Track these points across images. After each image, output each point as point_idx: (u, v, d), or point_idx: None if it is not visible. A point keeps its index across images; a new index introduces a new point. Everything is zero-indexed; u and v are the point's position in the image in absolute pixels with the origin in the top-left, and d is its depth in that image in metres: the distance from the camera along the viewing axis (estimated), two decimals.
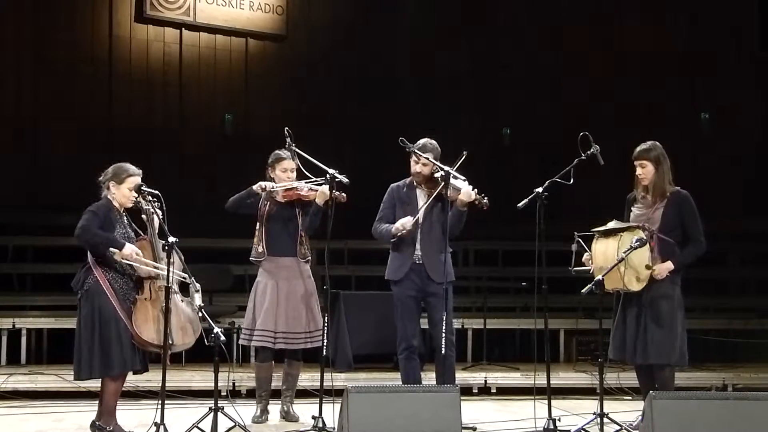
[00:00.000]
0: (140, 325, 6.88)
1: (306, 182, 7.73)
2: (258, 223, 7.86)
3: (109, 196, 7.05)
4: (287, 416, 7.92)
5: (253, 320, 7.76)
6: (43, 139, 14.11)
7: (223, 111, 15.16)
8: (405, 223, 7.42)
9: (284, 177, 7.82)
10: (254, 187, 7.73)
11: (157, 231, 7.11)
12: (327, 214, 7.41)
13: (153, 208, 7.00)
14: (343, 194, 7.46)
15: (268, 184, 7.73)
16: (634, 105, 14.97)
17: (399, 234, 7.45)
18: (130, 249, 6.88)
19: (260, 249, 7.82)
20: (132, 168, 7.09)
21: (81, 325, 6.94)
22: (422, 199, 7.56)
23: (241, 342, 7.34)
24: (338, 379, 8.93)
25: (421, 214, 7.46)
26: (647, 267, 7.00)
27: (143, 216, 7.13)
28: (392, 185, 7.77)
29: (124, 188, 7.01)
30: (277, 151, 7.92)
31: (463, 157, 7.33)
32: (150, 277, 7.04)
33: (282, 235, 7.81)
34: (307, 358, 8.39)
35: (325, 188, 7.51)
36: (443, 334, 7.20)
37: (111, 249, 6.83)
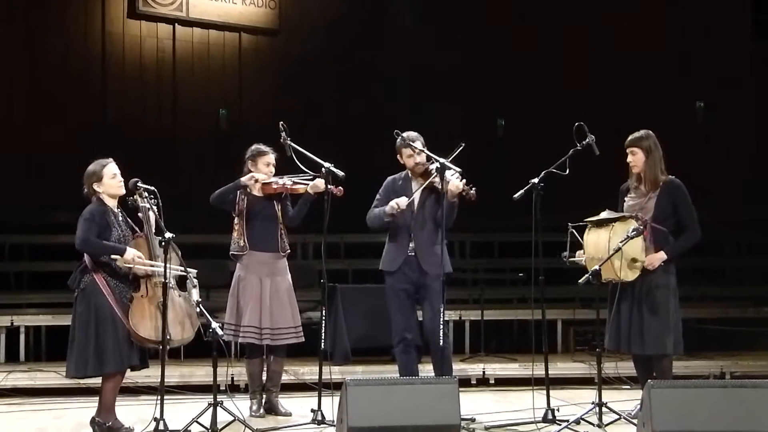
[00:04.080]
0: (137, 323, 6.87)
1: (292, 176, 7.72)
2: (237, 218, 7.82)
3: (99, 197, 7.04)
4: (275, 411, 7.89)
5: (238, 316, 7.73)
6: (36, 137, 14.07)
7: (218, 106, 15.14)
8: (400, 202, 7.42)
9: (267, 171, 7.79)
10: (244, 179, 7.71)
11: (153, 228, 7.11)
12: (319, 206, 7.42)
13: (149, 204, 7.00)
14: (340, 188, 7.46)
15: (261, 176, 7.71)
16: (629, 95, 14.96)
17: (393, 213, 7.44)
18: (131, 254, 6.91)
19: (241, 243, 7.77)
20: (102, 160, 7.11)
21: (75, 323, 6.96)
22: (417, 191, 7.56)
23: (225, 338, 7.31)
24: (336, 373, 8.92)
25: (416, 196, 7.47)
26: (633, 260, 7.01)
27: (139, 214, 7.13)
28: (389, 178, 7.77)
29: (106, 181, 7.03)
30: (256, 145, 7.92)
31: (460, 148, 7.33)
32: (147, 275, 7.04)
33: (263, 229, 7.79)
34: (305, 352, 8.39)
35: (319, 181, 7.52)
36: (440, 327, 7.20)
37: (113, 256, 6.86)
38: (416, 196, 7.47)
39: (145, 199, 7.03)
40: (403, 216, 7.50)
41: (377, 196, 7.73)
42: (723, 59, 14.91)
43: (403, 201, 7.43)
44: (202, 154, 14.69)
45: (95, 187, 7.05)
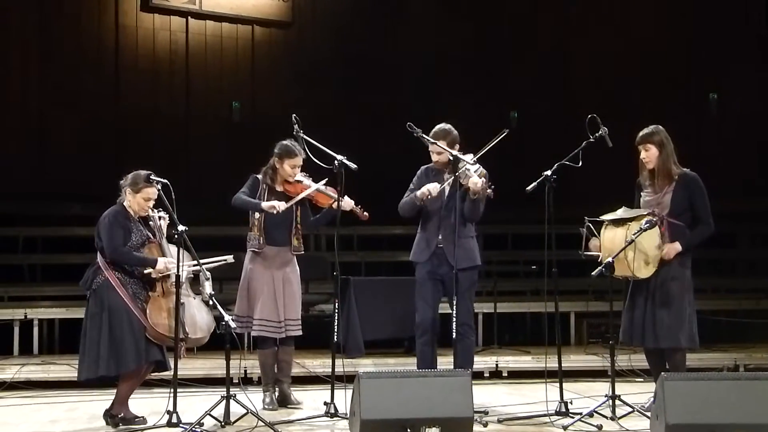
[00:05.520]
0: (154, 318, 6.87)
1: (319, 185, 7.71)
2: (257, 213, 7.82)
3: (124, 202, 7.05)
4: (286, 401, 7.90)
5: (249, 308, 7.75)
6: (50, 130, 14.13)
7: (230, 99, 15.16)
8: (432, 188, 7.39)
9: (291, 173, 7.77)
10: (264, 206, 7.62)
11: (165, 234, 7.13)
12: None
13: (162, 212, 7.03)
14: (365, 213, 7.50)
15: (281, 206, 7.63)
16: (642, 86, 14.93)
17: (424, 199, 7.42)
18: (162, 264, 6.94)
19: (260, 239, 7.79)
20: (153, 177, 7.01)
21: (88, 322, 6.93)
22: (447, 181, 7.55)
23: (237, 330, 7.38)
24: (349, 365, 8.91)
25: (447, 186, 7.44)
26: (658, 247, 7.00)
27: (150, 223, 7.14)
28: (423, 167, 7.78)
29: (139, 197, 7.02)
30: (286, 143, 7.80)
31: (503, 134, 7.33)
32: (162, 277, 7.04)
33: (279, 226, 7.78)
34: (318, 344, 8.37)
35: (347, 201, 7.57)
36: (454, 318, 7.20)
37: (146, 270, 6.87)
38: (447, 185, 7.45)
39: (156, 211, 7.07)
40: (434, 206, 7.52)
41: (411, 184, 7.72)
42: (736, 49, 14.84)
43: (435, 187, 7.41)
44: (214, 147, 14.70)
45: (127, 192, 7.05)
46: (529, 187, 7.24)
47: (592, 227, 7.26)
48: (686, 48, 15.18)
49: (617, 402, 7.10)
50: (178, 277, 6.81)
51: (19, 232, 13.11)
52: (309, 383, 9.00)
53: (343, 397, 7.08)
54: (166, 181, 6.99)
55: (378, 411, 6.20)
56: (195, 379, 9.18)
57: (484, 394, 8.51)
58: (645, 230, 6.87)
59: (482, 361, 10.01)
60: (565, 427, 6.83)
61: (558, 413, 7.17)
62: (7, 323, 10.51)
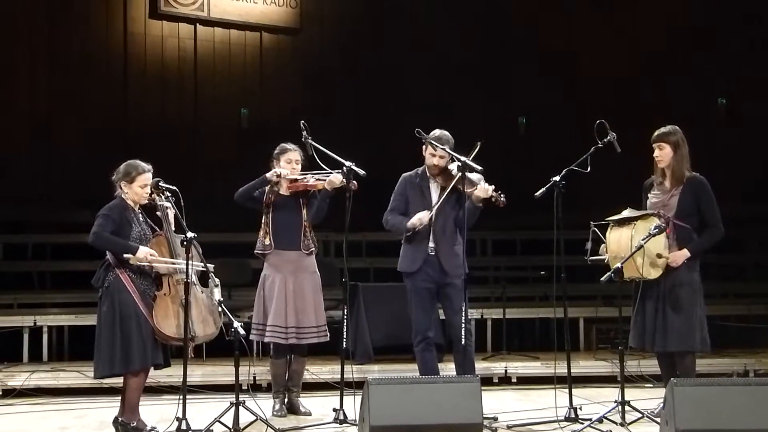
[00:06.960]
0: (161, 321, 6.87)
1: (315, 173, 7.71)
2: (264, 216, 7.82)
3: (122, 195, 7.04)
4: (295, 410, 7.88)
5: (264, 315, 7.74)
6: (59, 136, 14.18)
7: (239, 105, 15.20)
8: (422, 218, 7.34)
9: (288, 168, 7.79)
10: (268, 175, 7.70)
11: (172, 226, 7.12)
12: (340, 204, 7.42)
13: (169, 202, 7.01)
14: (354, 182, 7.44)
15: (284, 171, 7.71)
16: (651, 91, 14.91)
17: (415, 228, 7.37)
18: (143, 252, 6.87)
19: (267, 242, 7.78)
20: (141, 165, 7.05)
21: (101, 322, 6.93)
22: (435, 191, 7.51)
23: (252, 337, 7.44)
24: (358, 371, 8.92)
25: (434, 211, 7.39)
26: (658, 256, 6.98)
27: (158, 213, 7.14)
28: (404, 175, 7.71)
29: (135, 187, 7.00)
30: (282, 143, 7.90)
31: (477, 148, 7.28)
32: (169, 273, 7.04)
33: (287, 227, 7.77)
34: (327, 350, 8.36)
35: (335, 175, 7.53)
36: (462, 325, 7.17)
37: (125, 255, 6.84)
38: (435, 210, 7.40)
39: (164, 198, 7.04)
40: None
41: (394, 195, 7.66)
42: (745, 54, 14.83)
43: (425, 217, 7.35)
44: (223, 153, 14.74)
45: (123, 185, 7.04)
46: (537, 193, 7.23)
47: (598, 231, 7.25)
48: (694, 52, 15.15)
49: (627, 408, 7.09)
50: (187, 283, 6.81)
51: (28, 239, 13.14)
52: (318, 390, 9.00)
53: (352, 404, 7.08)
54: (174, 187, 6.99)
55: (387, 417, 6.20)
56: (204, 386, 9.18)
57: (493, 400, 8.50)
58: (654, 235, 6.86)
59: (491, 367, 10.02)
60: None
61: (567, 419, 7.17)
62: (17, 330, 10.52)
